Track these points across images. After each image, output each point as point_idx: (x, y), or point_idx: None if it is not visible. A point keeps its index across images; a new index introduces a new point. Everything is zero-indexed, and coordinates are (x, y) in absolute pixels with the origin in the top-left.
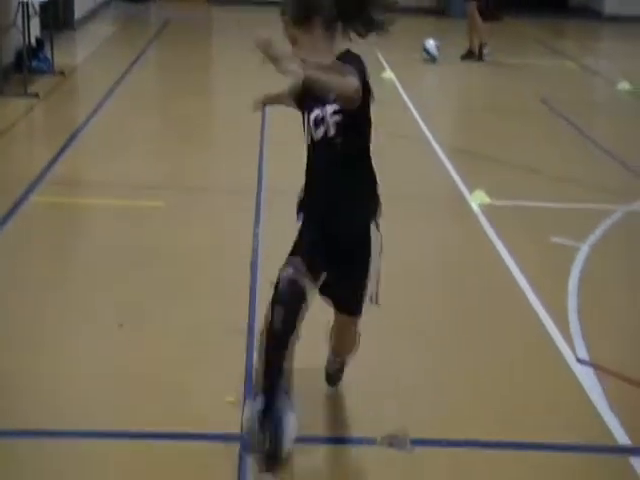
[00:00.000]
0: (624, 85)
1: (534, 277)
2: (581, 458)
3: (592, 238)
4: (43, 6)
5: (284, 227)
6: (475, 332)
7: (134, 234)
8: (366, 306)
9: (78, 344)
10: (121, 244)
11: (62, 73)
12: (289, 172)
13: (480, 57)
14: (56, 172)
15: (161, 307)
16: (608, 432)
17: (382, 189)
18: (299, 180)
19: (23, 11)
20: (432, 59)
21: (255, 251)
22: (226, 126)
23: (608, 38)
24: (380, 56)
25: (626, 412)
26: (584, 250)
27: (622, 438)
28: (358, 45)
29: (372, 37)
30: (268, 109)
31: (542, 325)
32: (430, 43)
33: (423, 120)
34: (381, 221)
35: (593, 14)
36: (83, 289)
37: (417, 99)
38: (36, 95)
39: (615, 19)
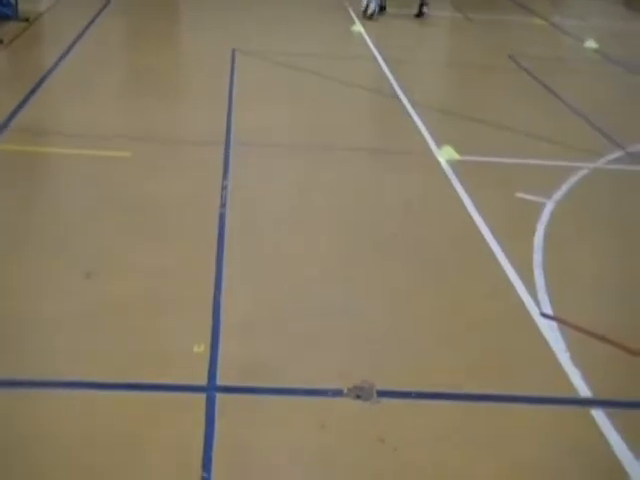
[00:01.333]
0: (591, 43)
1: (500, 232)
2: (543, 410)
3: (557, 194)
4: None
5: (252, 179)
6: (440, 284)
7: (101, 183)
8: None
9: (46, 291)
10: (88, 193)
11: (27, 19)
12: (257, 124)
13: (420, 14)
14: (20, 120)
15: (128, 253)
16: (570, 385)
17: (353, 142)
18: (267, 135)
19: None
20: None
21: (223, 203)
22: (194, 76)
23: None
24: (350, 10)
25: (588, 365)
26: (549, 206)
27: (583, 391)
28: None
29: None
30: (237, 64)
31: (507, 279)
32: None
33: (392, 75)
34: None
35: None
36: (49, 237)
37: (386, 53)
38: (0, 41)
39: None
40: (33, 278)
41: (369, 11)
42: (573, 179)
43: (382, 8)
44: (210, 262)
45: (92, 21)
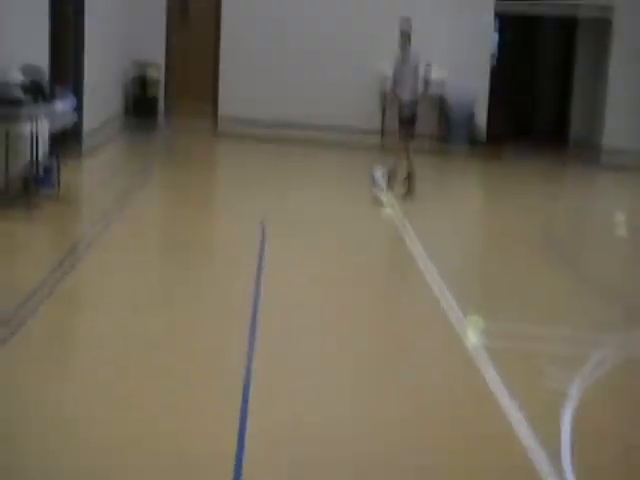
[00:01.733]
0: (620, 223)
1: (528, 415)
2: None
3: (586, 374)
4: (52, 135)
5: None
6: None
7: None
8: None
9: None
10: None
11: (67, 198)
12: (282, 304)
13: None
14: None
15: None
16: None
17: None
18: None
19: (32, 140)
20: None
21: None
22: (224, 248)
23: (604, 176)
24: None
25: None
26: (577, 384)
27: None
28: None
29: None
30: (267, 233)
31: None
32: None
33: (422, 247)
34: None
35: (592, 146)
36: None
37: (416, 228)
38: (40, 218)
39: (613, 152)
40: None
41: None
42: (599, 357)
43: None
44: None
45: (130, 198)
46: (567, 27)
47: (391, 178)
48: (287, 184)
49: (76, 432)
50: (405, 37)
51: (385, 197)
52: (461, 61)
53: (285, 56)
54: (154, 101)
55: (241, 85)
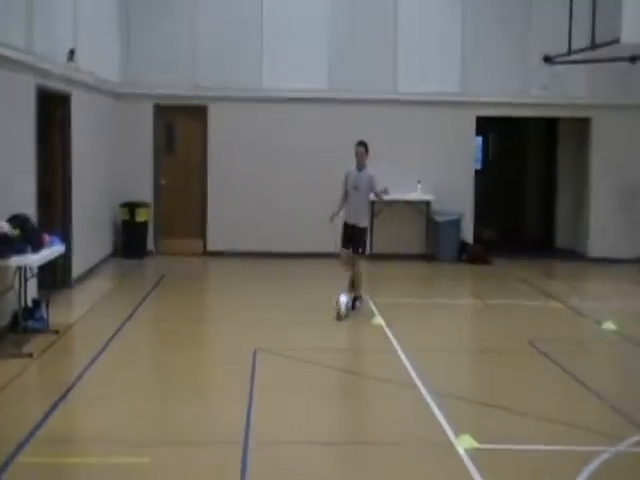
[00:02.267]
0: (609, 325)
1: None
2: None
3: (580, 479)
4: (41, 267)
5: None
6: None
7: None
8: None
9: None
10: None
11: (57, 332)
12: (277, 422)
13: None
14: (44, 432)
15: None
16: None
17: (369, 434)
18: (286, 433)
19: (20, 274)
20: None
21: None
22: (217, 378)
23: (592, 279)
24: (371, 303)
25: None
26: None
27: None
28: None
29: None
30: (258, 363)
31: None
32: (342, 299)
33: (411, 364)
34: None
35: (578, 256)
36: None
37: (406, 344)
38: (30, 355)
39: (598, 261)
40: None
41: (341, 313)
42: (595, 463)
43: (353, 306)
44: None
45: (119, 328)
46: (549, 126)
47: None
48: (279, 310)
49: None
50: (361, 160)
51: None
52: (446, 178)
53: (272, 186)
54: (143, 240)
55: (228, 222)
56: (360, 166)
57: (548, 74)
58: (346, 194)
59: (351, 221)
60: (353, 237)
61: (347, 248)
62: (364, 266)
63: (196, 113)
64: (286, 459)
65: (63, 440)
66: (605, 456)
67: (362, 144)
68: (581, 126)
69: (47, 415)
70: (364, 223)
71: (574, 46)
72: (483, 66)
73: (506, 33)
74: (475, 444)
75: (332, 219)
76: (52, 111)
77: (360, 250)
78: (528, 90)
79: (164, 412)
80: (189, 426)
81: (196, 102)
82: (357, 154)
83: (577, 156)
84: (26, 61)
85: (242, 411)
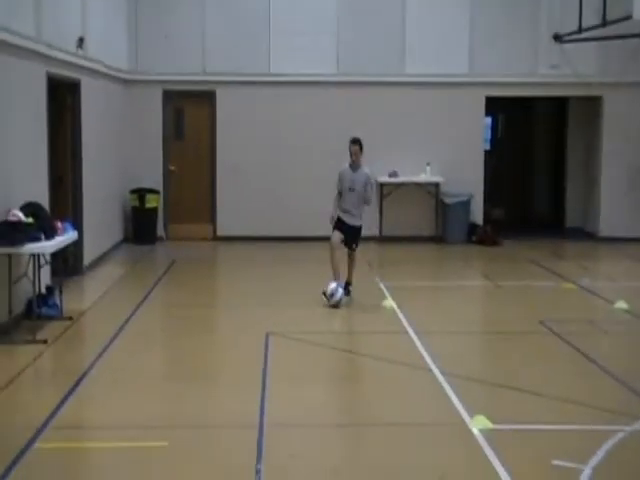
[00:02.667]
0: (621, 304)
1: None
2: None
3: (594, 459)
4: (54, 254)
5: (285, 463)
6: None
7: (139, 478)
8: None
9: None
10: None
11: (70, 318)
12: (291, 406)
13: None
14: (61, 418)
15: None
16: None
17: (387, 417)
18: (301, 416)
19: (34, 262)
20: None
21: None
22: (229, 362)
23: (603, 259)
24: (382, 285)
25: None
26: (587, 472)
27: None
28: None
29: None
30: (270, 347)
31: None
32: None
33: (423, 346)
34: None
35: (588, 236)
36: None
37: (417, 325)
38: (44, 341)
39: (608, 240)
40: None
41: (334, 300)
42: (610, 443)
43: (348, 292)
44: None
45: (131, 314)
46: (559, 106)
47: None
48: (289, 294)
49: None
50: (356, 159)
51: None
52: (455, 159)
53: (281, 170)
54: (153, 226)
55: (238, 207)
56: (355, 165)
57: (558, 53)
58: (340, 194)
59: (347, 220)
60: (347, 234)
61: (341, 233)
62: (373, 248)
63: (204, 99)
64: (300, 441)
65: (80, 426)
66: (620, 435)
67: (357, 142)
68: (591, 105)
69: (63, 401)
70: (360, 222)
71: (584, 24)
72: (492, 46)
73: (515, 12)
74: (489, 425)
75: (332, 222)
76: (62, 98)
77: (354, 246)
78: (538, 69)
79: (179, 396)
80: (205, 410)
81: (204, 88)
82: (352, 153)
83: (587, 135)
84: (36, 49)
85: (256, 394)
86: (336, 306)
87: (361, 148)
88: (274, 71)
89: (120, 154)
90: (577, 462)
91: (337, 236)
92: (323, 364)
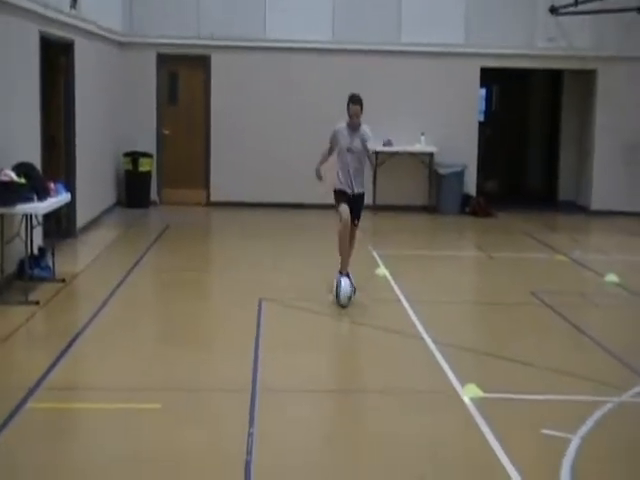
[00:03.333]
0: (612, 277)
1: (526, 470)
2: None
3: (583, 429)
4: (46, 215)
5: (278, 427)
6: None
7: (131, 439)
8: None
9: None
10: (119, 448)
11: (63, 280)
12: (283, 371)
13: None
14: (53, 378)
15: None
16: None
17: (378, 384)
18: (293, 381)
19: (27, 222)
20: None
21: (249, 451)
22: (222, 326)
23: (594, 232)
24: (375, 253)
25: None
26: (575, 442)
27: None
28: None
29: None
30: (263, 312)
31: None
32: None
33: (416, 315)
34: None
35: (580, 209)
36: None
37: (410, 295)
38: (37, 303)
39: (600, 214)
40: None
41: (342, 300)
42: (599, 413)
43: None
44: None
45: (125, 277)
46: (553, 79)
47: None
48: (283, 260)
49: None
50: (356, 121)
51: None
52: (450, 130)
53: (276, 136)
54: (146, 191)
55: (232, 172)
56: (354, 125)
57: (554, 25)
58: (330, 152)
59: (348, 189)
60: (351, 205)
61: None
62: (366, 216)
63: (199, 63)
64: (293, 406)
65: (72, 386)
66: (609, 406)
67: (358, 101)
68: (586, 78)
69: (55, 362)
70: (363, 189)
71: None
72: (488, 17)
73: None
74: (480, 393)
75: (320, 176)
76: (56, 59)
77: (357, 221)
78: (533, 41)
79: (172, 360)
80: (198, 373)
81: (199, 52)
82: (352, 114)
83: (581, 109)
84: (29, 8)
85: (249, 359)
86: (345, 306)
87: (362, 108)
88: (269, 37)
89: (114, 117)
90: (566, 432)
91: (347, 211)
92: (316, 331)
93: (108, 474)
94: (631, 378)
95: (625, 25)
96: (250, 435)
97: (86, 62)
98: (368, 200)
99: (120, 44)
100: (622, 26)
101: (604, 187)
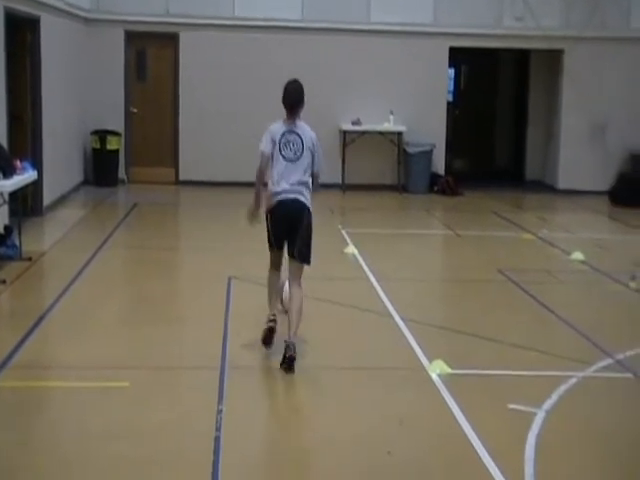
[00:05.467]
0: (577, 255)
1: (492, 444)
2: None
3: (548, 403)
4: (12, 194)
5: (246, 404)
6: None
7: (100, 416)
8: None
9: None
10: (86, 427)
11: (29, 259)
12: (252, 348)
13: None
14: (20, 357)
15: None
16: None
17: (346, 361)
18: (262, 359)
19: None
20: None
21: (219, 427)
22: (191, 304)
23: (561, 210)
24: (344, 232)
25: None
26: (540, 415)
27: None
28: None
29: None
30: (232, 287)
31: None
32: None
33: (384, 292)
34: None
35: (547, 188)
36: (46, 475)
37: (379, 273)
38: (3, 281)
39: (567, 193)
40: None
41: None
42: (563, 388)
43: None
44: None
45: (92, 256)
46: (521, 59)
47: None
48: (251, 239)
49: None
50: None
51: None
52: (419, 109)
53: (244, 115)
54: (114, 169)
55: (201, 150)
56: (291, 122)
57: (522, 5)
58: (267, 164)
59: (283, 209)
60: (290, 233)
61: (280, 249)
62: (335, 195)
63: (167, 41)
64: (261, 382)
65: (40, 365)
66: (573, 381)
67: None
68: (553, 58)
69: (22, 341)
70: (307, 202)
71: None
72: None
73: None
74: (447, 369)
75: (252, 221)
76: (21, 35)
77: (304, 256)
78: (501, 21)
79: (140, 338)
80: (166, 352)
81: (167, 29)
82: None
83: (548, 88)
84: None
85: (218, 337)
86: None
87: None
88: (238, 15)
89: (81, 95)
90: (532, 406)
91: (276, 257)
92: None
93: (75, 451)
94: (595, 353)
95: (592, 5)
96: (219, 412)
97: (52, 39)
98: (337, 179)
99: (87, 21)
100: (589, 6)
101: (571, 166)
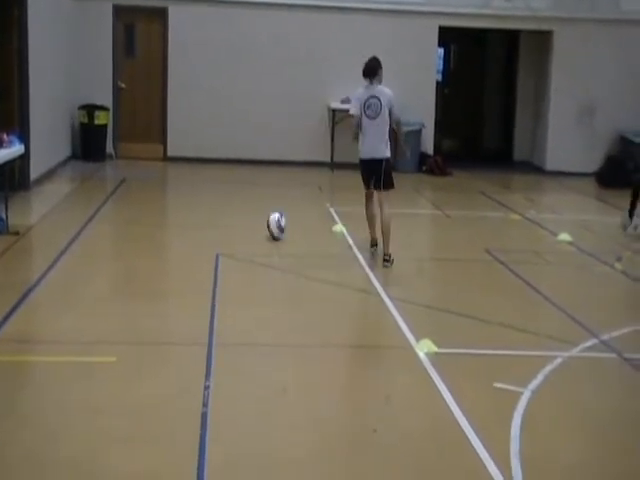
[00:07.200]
0: (565, 236)
1: (478, 423)
2: None
3: (534, 383)
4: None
5: (234, 380)
6: (422, 478)
7: (86, 391)
8: None
9: None
10: (71, 402)
11: (17, 233)
12: (239, 324)
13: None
14: (6, 331)
15: (111, 461)
16: None
17: (334, 339)
18: (249, 335)
19: None
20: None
21: (205, 403)
22: (179, 280)
23: (549, 192)
24: (332, 210)
25: None
26: (526, 395)
27: None
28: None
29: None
30: (220, 267)
31: (485, 470)
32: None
33: (372, 271)
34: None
35: (535, 169)
36: (31, 450)
37: (367, 251)
38: None
39: (555, 174)
40: None
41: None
42: (549, 368)
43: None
44: (191, 465)
45: (80, 231)
46: (510, 39)
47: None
48: (240, 216)
49: None
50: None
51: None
52: (408, 89)
53: (233, 91)
54: (102, 144)
55: (190, 126)
56: (371, 88)
57: None
58: (358, 122)
59: (365, 164)
60: (372, 175)
61: (368, 187)
62: (324, 174)
63: (156, 16)
64: (248, 359)
65: (26, 339)
66: (559, 360)
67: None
68: (542, 39)
69: (9, 315)
70: (382, 157)
71: None
72: None
73: None
74: (434, 348)
75: (355, 139)
76: (8, 8)
77: (384, 184)
78: (491, 1)
79: (127, 314)
80: (154, 327)
81: (156, 4)
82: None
83: (537, 69)
84: None
85: (205, 313)
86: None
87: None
88: None
89: (69, 69)
90: (517, 385)
91: (368, 193)
92: (272, 286)
93: (63, 425)
94: (580, 333)
95: None
96: (206, 388)
97: (40, 13)
98: (326, 157)
99: None
100: None
101: (558, 148)
